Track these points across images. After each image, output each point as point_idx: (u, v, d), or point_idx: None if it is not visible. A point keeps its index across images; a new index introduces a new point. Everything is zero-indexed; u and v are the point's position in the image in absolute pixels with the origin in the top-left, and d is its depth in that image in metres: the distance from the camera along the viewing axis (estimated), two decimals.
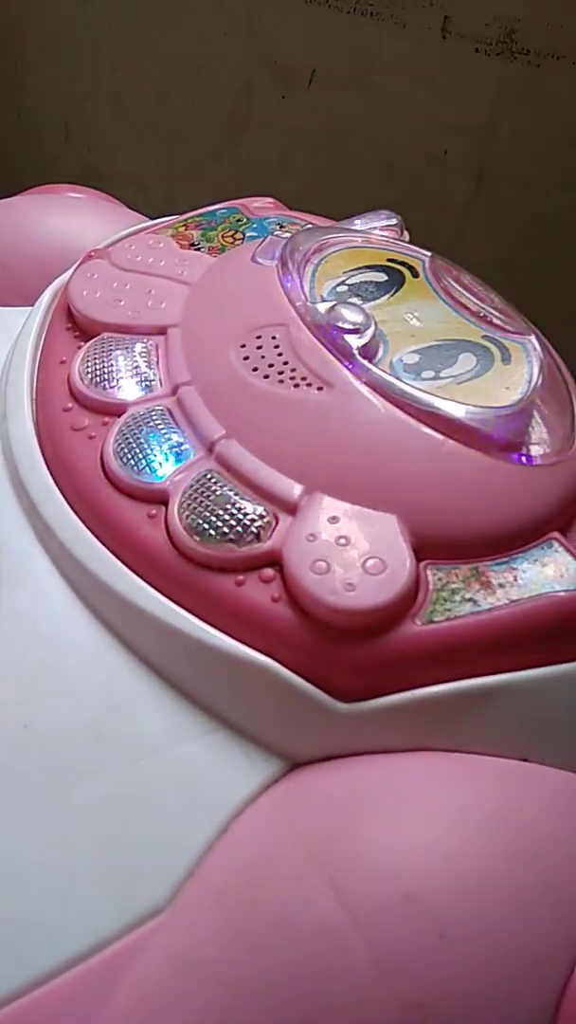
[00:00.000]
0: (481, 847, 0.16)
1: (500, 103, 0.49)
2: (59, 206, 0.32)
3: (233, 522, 0.20)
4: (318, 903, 0.15)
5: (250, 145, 0.59)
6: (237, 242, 0.28)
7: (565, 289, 0.51)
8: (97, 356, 0.23)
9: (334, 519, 0.19)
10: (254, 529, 0.19)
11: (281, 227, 0.28)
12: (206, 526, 0.20)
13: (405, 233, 0.28)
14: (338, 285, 0.24)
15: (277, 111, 0.56)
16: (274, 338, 0.22)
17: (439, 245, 0.26)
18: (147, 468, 0.21)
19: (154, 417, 0.22)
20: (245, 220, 0.29)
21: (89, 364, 0.23)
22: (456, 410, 0.20)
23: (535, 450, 0.21)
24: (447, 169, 0.52)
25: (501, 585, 0.19)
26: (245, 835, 0.17)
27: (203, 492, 0.20)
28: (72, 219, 0.31)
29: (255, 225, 0.29)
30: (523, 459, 0.20)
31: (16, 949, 0.16)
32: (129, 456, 0.21)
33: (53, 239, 0.30)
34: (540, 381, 0.21)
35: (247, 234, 0.28)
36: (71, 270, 0.26)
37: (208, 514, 0.20)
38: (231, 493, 0.20)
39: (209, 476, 0.21)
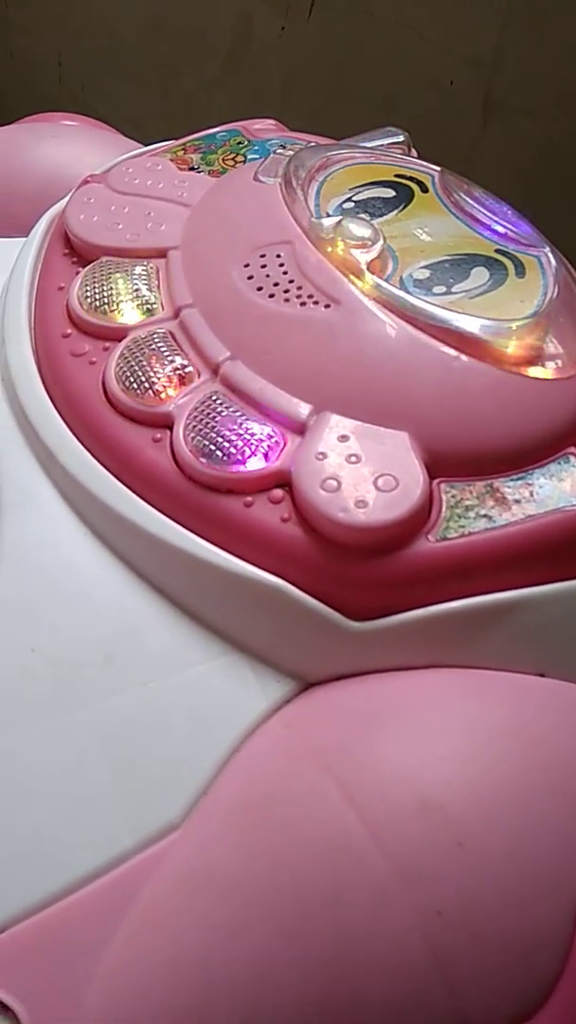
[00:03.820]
0: (497, 757, 0.16)
1: (507, 29, 0.47)
2: (53, 134, 0.31)
3: (240, 443, 0.19)
4: (333, 814, 0.15)
5: (249, 79, 0.57)
6: (238, 164, 0.27)
7: None
8: (96, 281, 0.23)
9: (344, 437, 0.19)
10: (262, 450, 0.19)
11: (283, 148, 0.27)
12: (213, 448, 0.19)
13: (412, 151, 0.27)
14: (344, 202, 0.24)
15: (276, 43, 0.54)
16: (279, 256, 0.22)
17: None
18: (150, 392, 0.20)
19: (156, 340, 0.21)
20: (246, 142, 0.28)
21: (88, 289, 0.23)
22: (469, 324, 0.20)
23: (550, 364, 0.20)
24: (454, 100, 0.50)
25: (517, 501, 0.18)
26: (258, 752, 0.17)
27: (209, 414, 0.20)
28: (66, 147, 0.30)
29: (256, 147, 0.27)
30: (538, 373, 0.20)
31: (35, 866, 0.16)
32: (132, 380, 0.20)
33: (47, 167, 0.29)
34: (556, 293, 0.21)
35: (248, 156, 0.27)
36: (68, 196, 0.25)
37: (215, 435, 0.19)
38: (238, 415, 0.20)
39: (215, 398, 0.20)
